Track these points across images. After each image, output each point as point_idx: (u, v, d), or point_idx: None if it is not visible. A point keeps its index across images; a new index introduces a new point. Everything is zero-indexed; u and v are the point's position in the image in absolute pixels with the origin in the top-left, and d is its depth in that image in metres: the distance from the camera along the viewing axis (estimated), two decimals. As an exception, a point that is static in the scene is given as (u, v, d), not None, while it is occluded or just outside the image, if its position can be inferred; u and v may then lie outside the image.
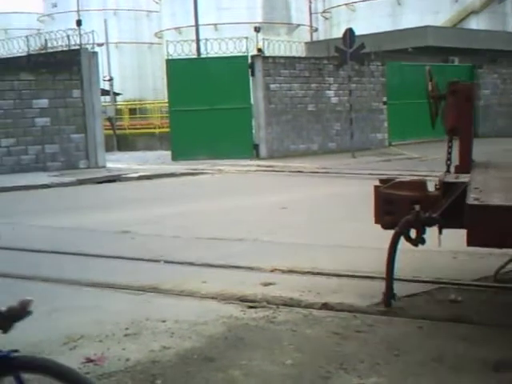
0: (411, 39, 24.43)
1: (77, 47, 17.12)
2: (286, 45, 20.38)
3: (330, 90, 20.20)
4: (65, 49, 17.18)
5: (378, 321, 4.79)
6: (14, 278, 6.43)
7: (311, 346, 4.41)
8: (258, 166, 17.46)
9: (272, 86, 18.96)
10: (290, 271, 6.27)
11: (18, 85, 16.15)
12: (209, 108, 17.97)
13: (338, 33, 30.16)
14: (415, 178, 6.86)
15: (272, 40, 19.43)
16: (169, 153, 20.49)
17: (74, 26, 19.02)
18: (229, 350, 4.42)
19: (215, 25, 32.97)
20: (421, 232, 4.73)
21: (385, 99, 21.43)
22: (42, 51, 18.68)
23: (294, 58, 19.92)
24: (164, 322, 4.98)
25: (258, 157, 19.17)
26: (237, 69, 18.12)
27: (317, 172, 15.98)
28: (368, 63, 20.68)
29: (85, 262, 7.15)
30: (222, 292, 5.65)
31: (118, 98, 34.57)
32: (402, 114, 21.71)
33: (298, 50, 22.42)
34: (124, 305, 5.48)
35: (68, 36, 17.12)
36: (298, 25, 38.42)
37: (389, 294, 4.96)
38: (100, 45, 21.85)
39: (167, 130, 22.66)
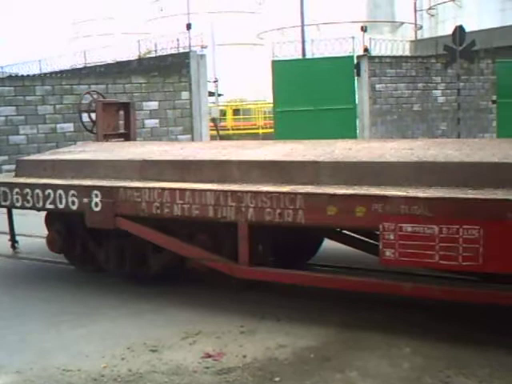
0: (523, 35, 23.49)
1: (186, 50, 17.53)
2: (390, 43, 20.10)
3: (436, 89, 19.73)
4: (174, 52, 17.65)
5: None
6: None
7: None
8: (362, 166, 17.31)
9: (377, 86, 18.73)
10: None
11: (129, 88, 16.73)
12: (313, 109, 17.97)
13: (444, 30, 29.50)
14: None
15: (378, 39, 19.23)
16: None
17: (179, 29, 19.45)
18: (344, 351, 4.45)
19: (318, 25, 32.97)
20: None
21: (494, 98, 20.73)
22: (151, 55, 19.25)
23: (400, 57, 19.59)
24: (279, 321, 5.08)
25: (361, 157, 18.93)
26: (342, 69, 18.00)
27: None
28: (477, 61, 20.07)
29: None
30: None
31: (220, 99, 35.15)
32: (513, 113, 20.93)
33: (403, 49, 22.06)
34: (237, 303, 5.60)
35: (178, 39, 17.59)
36: (402, 23, 37.89)
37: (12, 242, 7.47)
38: (204, 47, 22.28)
39: (270, 130, 22.87)
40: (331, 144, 6.28)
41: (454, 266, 4.26)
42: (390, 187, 4.63)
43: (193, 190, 5.22)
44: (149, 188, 5.44)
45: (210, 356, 4.43)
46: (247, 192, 4.99)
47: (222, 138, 28.41)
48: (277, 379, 4.02)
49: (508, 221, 4.07)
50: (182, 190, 5.26)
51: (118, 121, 9.35)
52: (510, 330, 4.65)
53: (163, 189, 5.37)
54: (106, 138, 8.91)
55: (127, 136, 9.09)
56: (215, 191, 5.13)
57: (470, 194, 4.33)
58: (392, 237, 4.38)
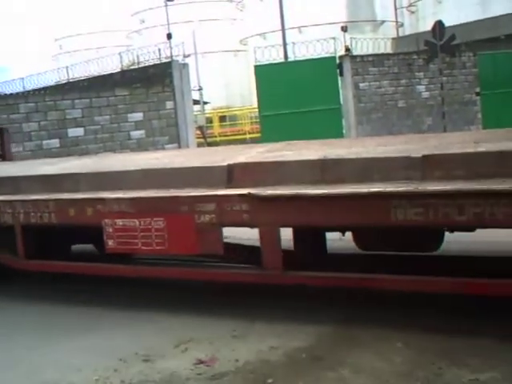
0: (503, 27, 23.62)
1: (167, 60, 17.51)
2: (373, 42, 20.14)
3: (420, 84, 19.79)
4: (156, 62, 17.61)
5: None
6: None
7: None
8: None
9: (361, 84, 18.77)
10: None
11: (113, 100, 16.68)
12: (299, 111, 17.98)
13: (425, 26, 29.59)
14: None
15: (359, 38, 19.26)
16: (261, 158, 20.55)
17: (161, 39, 19.44)
18: (337, 349, 4.44)
19: (299, 28, 33.04)
20: None
21: (477, 90, 20.84)
22: (134, 66, 19.21)
23: (382, 55, 19.63)
24: (271, 323, 5.06)
25: (349, 157, 18.92)
26: (325, 70, 18.02)
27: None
28: (459, 55, 20.17)
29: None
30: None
31: (206, 107, 35.17)
32: (497, 104, 21.01)
33: (385, 47, 22.13)
34: (229, 307, 5.58)
35: (159, 50, 17.57)
36: (383, 21, 38.00)
37: None
38: (187, 56, 22.27)
39: (258, 135, 22.87)
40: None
41: (151, 250, 5.33)
42: (130, 191, 5.53)
43: None
44: None
45: (202, 362, 4.42)
46: (18, 201, 6.06)
47: (210, 144, 28.42)
48: (269, 381, 4.00)
49: (181, 213, 5.09)
50: None
51: None
52: (499, 320, 4.65)
53: None
54: None
55: (3, 157, 10.45)
56: None
57: (161, 193, 5.31)
58: (111, 230, 5.45)
